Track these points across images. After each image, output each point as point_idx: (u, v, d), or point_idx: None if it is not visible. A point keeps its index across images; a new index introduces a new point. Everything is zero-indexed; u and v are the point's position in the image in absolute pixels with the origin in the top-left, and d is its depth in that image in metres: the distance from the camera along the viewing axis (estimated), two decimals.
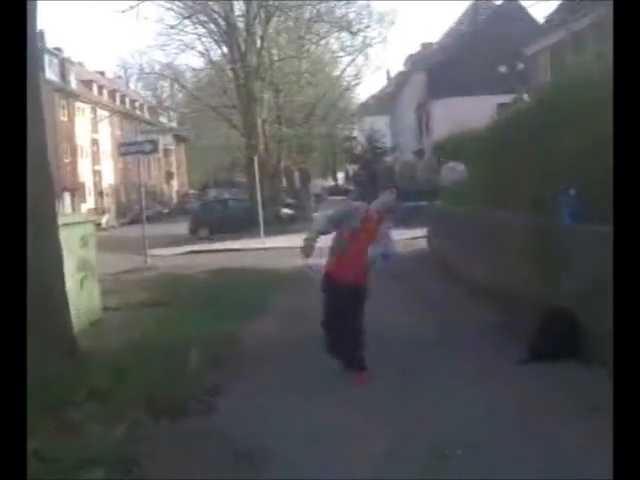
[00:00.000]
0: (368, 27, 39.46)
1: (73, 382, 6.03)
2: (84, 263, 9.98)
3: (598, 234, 6.67)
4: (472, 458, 4.54)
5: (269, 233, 26.41)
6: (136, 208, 42.41)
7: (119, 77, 58.24)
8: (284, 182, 46.92)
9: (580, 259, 6.92)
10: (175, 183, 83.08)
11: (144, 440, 5.08)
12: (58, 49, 55.39)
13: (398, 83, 62.24)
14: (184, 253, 24.07)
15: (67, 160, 53.19)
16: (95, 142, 61.31)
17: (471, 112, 21.59)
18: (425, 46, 57.35)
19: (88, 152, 59.33)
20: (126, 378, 6.37)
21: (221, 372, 6.97)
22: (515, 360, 6.60)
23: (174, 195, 79.21)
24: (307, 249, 6.51)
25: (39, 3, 7.06)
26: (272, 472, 4.57)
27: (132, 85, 59.95)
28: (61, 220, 7.80)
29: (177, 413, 5.67)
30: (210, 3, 34.06)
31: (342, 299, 6.34)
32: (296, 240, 28.74)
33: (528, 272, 8.59)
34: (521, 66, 38.33)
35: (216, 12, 34.09)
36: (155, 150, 21.78)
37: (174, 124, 58.93)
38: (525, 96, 14.89)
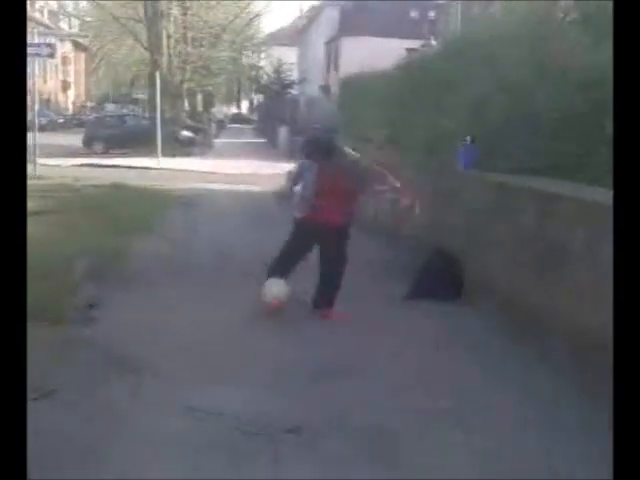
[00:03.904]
0: None
1: None
2: None
3: (487, 181, 6.91)
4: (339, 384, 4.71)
5: (167, 154, 25.89)
6: (28, 114, 40.67)
7: None
8: (186, 104, 45.91)
9: (470, 204, 7.14)
10: (72, 94, 79.86)
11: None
12: None
13: (310, 16, 61.44)
14: (76, 165, 23.33)
15: None
16: None
17: (380, 53, 21.62)
18: None
19: None
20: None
21: (103, 285, 6.89)
22: (398, 296, 6.80)
23: (70, 106, 76.22)
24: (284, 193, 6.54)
25: None
26: (145, 378, 4.64)
27: None
28: None
29: (56, 321, 5.61)
30: None
31: (320, 240, 6.30)
32: (194, 163, 28.51)
33: (419, 213, 8.81)
34: (432, 14, 38.55)
35: None
36: (53, 54, 20.91)
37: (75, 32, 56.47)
38: (433, 43, 15.01)
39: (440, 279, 6.87)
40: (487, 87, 7.40)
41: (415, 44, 22.36)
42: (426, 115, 9.23)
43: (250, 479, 3.43)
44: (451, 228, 7.60)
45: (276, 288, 6.30)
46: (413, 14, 40.78)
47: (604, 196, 4.54)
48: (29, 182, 12.41)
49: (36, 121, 20.76)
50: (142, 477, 3.39)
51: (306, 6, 67.94)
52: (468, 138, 7.41)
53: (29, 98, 22.63)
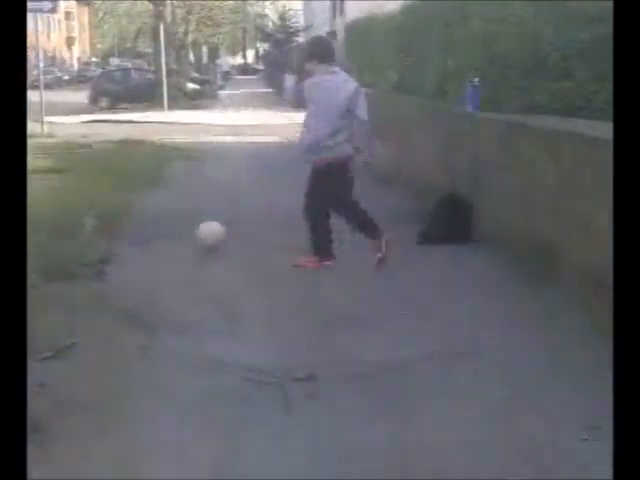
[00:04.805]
0: None
1: None
2: None
3: (495, 121, 6.84)
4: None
5: (173, 107, 25.81)
6: (34, 73, 40.40)
7: None
8: (191, 56, 45.51)
9: (479, 145, 7.09)
10: (76, 49, 79.30)
11: (34, 301, 5.01)
12: None
13: None
14: (84, 122, 23.28)
15: None
16: None
17: None
18: None
19: None
20: None
21: (114, 240, 6.92)
22: (410, 241, 6.74)
23: (75, 62, 75.71)
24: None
25: None
26: (157, 332, 4.66)
27: None
28: None
29: (68, 277, 5.63)
30: None
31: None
32: (200, 116, 28.34)
33: (428, 157, 8.76)
34: None
35: None
36: (54, 10, 20.75)
37: None
38: None
39: (451, 223, 6.84)
40: (493, 24, 7.29)
41: None
42: (433, 57, 9.12)
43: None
44: (460, 171, 7.55)
45: (207, 229, 6.54)
46: None
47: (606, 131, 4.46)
48: (37, 140, 12.47)
49: (41, 79, 20.65)
50: (153, 428, 3.43)
51: None
52: (475, 79, 7.33)
53: (34, 55, 22.50)
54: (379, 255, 6.06)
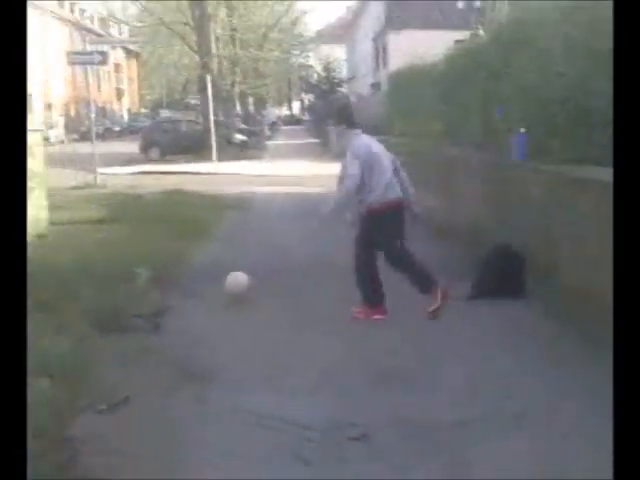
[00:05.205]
0: None
1: None
2: (31, 174, 9.70)
3: (544, 172, 6.84)
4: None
5: (221, 158, 26.19)
6: (86, 124, 41.44)
7: None
8: (238, 107, 46.28)
9: (528, 196, 7.09)
10: (126, 101, 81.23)
11: (89, 354, 5.12)
12: None
13: (356, 12, 61.23)
14: (134, 173, 23.76)
15: None
16: (43, 51, 59.34)
17: (428, 46, 21.45)
18: None
19: (36, 61, 57.38)
20: (73, 292, 6.38)
21: (168, 291, 7.02)
22: (461, 295, 6.55)
23: (125, 113, 77.52)
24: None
25: None
26: (210, 385, 4.71)
27: None
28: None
29: (123, 329, 5.72)
30: None
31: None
32: (248, 167, 28.59)
33: (477, 208, 8.77)
34: (478, 3, 38.06)
35: None
36: (105, 62, 21.25)
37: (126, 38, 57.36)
38: (481, 33, 14.82)
39: (504, 275, 6.58)
40: (538, 76, 7.32)
41: (463, 35, 22.04)
42: (477, 107, 9.19)
43: None
44: (509, 221, 7.54)
45: (232, 280, 6.75)
46: (459, 4, 40.30)
47: None
48: (91, 191, 12.69)
49: (93, 130, 21.23)
50: None
51: (352, 1, 67.79)
52: (522, 129, 7.37)
53: (86, 107, 23.05)
54: (434, 306, 6.02)
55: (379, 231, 6.06)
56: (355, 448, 3.79)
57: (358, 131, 6.24)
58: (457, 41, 22.34)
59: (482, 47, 9.88)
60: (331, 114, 6.78)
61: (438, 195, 10.30)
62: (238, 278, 6.88)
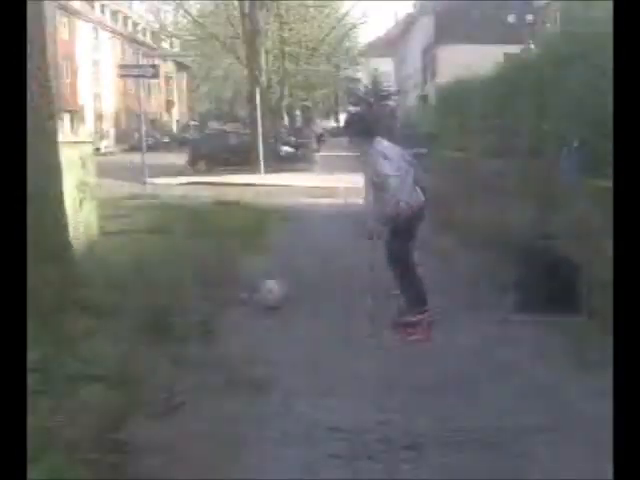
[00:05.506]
0: None
1: (70, 298, 6.09)
2: (82, 184, 9.86)
3: (598, 188, 6.75)
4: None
5: (269, 170, 26.33)
6: (136, 135, 42.05)
7: None
8: (286, 119, 46.54)
9: (580, 212, 7.00)
10: (175, 112, 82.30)
11: (144, 360, 5.18)
12: None
13: (405, 26, 61.32)
14: (183, 184, 24.04)
15: (67, 80, 52.52)
16: (96, 64, 60.46)
17: (477, 60, 21.36)
18: None
19: (88, 74, 58.51)
20: (128, 299, 6.47)
21: (218, 301, 7.05)
22: (509, 310, 6.49)
23: (174, 125, 78.54)
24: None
25: None
26: (263, 394, 4.75)
27: (135, 8, 58.92)
28: (60, 138, 7.68)
29: (177, 337, 5.79)
30: None
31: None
32: (296, 179, 28.71)
33: (526, 223, 8.68)
34: (530, 18, 37.81)
35: None
36: (156, 75, 21.65)
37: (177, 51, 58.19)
38: (532, 47, 14.73)
39: (554, 292, 6.36)
40: (590, 90, 7.25)
41: (514, 49, 21.90)
42: (527, 121, 9.12)
43: None
44: (560, 236, 7.45)
45: (266, 289, 6.86)
46: (510, 19, 40.09)
47: None
48: (141, 202, 12.80)
49: (144, 142, 21.55)
50: None
51: (401, 15, 67.86)
52: (574, 144, 7.29)
53: (137, 118, 23.42)
54: (415, 337, 5.95)
55: (398, 233, 6.14)
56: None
57: (379, 138, 6.37)
58: (507, 54, 22.21)
59: (534, 60, 9.81)
60: (350, 126, 6.85)
61: (483, 208, 10.21)
62: (271, 287, 6.97)
